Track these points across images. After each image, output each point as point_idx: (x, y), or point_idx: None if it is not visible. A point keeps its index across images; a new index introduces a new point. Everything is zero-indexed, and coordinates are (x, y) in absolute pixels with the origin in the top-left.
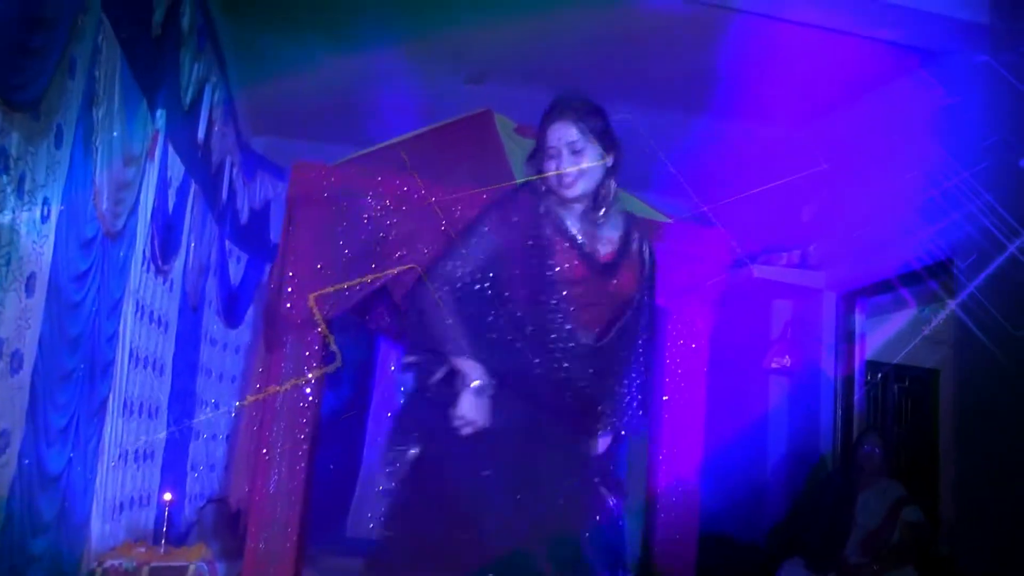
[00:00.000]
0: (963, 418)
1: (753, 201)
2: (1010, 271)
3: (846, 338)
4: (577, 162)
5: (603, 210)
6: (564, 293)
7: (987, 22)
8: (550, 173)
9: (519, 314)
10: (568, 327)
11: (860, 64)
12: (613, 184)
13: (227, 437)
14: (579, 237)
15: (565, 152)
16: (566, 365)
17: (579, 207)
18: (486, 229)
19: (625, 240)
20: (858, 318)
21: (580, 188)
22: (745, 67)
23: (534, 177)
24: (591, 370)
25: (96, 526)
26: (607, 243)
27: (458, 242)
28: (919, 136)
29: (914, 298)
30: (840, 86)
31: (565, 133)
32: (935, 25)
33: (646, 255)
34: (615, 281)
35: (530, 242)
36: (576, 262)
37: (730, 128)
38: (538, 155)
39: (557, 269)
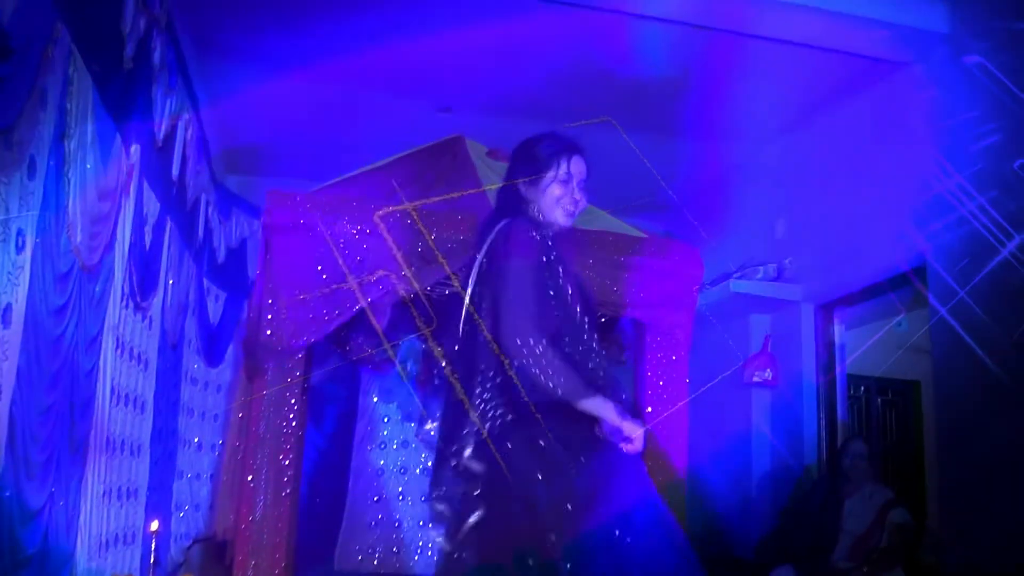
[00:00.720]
0: (946, 428)
1: (727, 219)
2: (999, 275)
3: (826, 350)
4: (581, 198)
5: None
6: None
7: (947, 31)
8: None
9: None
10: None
11: (826, 77)
12: None
13: (211, 476)
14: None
15: (577, 184)
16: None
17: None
18: (530, 263)
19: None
20: (837, 329)
21: (571, 221)
22: (714, 85)
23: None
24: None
25: (82, 562)
26: None
27: (520, 286)
28: (891, 144)
29: (891, 307)
30: (806, 100)
31: (583, 167)
32: (894, 33)
33: None
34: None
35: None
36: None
37: (699, 148)
38: (542, 172)
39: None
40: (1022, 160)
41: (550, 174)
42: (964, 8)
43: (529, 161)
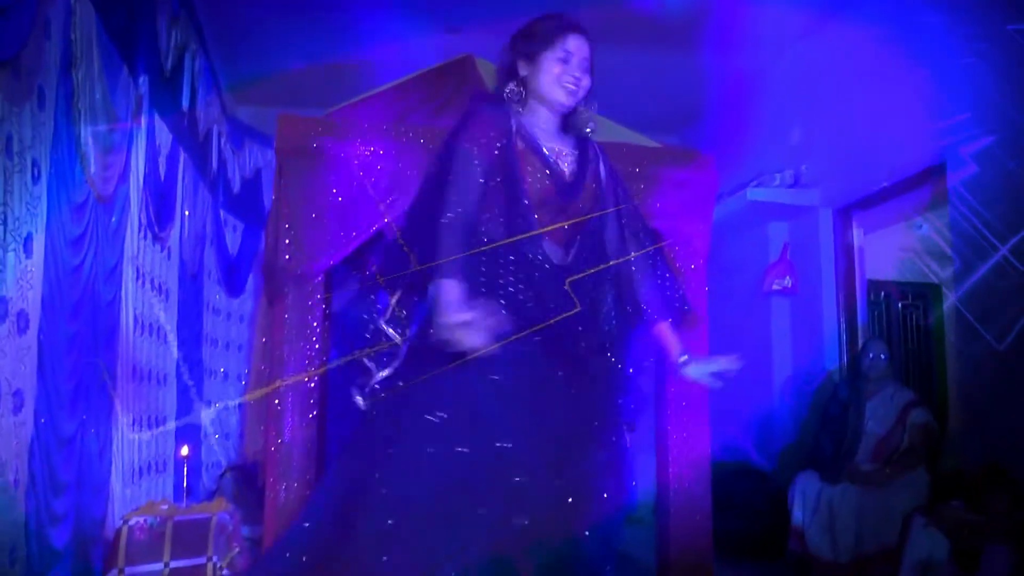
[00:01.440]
0: (967, 330)
1: (743, 128)
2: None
3: (845, 255)
4: (583, 77)
5: (571, 128)
6: (536, 215)
7: None
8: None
9: (498, 240)
10: (543, 249)
11: None
12: (581, 114)
13: (239, 406)
14: (547, 153)
15: (576, 63)
16: (549, 289)
17: (547, 122)
18: (467, 147)
19: (583, 157)
20: (856, 233)
21: (574, 100)
22: None
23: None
24: (574, 290)
25: (116, 489)
26: (570, 160)
27: (443, 170)
28: (908, 41)
29: (909, 207)
30: (819, 3)
31: (582, 46)
32: None
33: (602, 171)
34: (579, 198)
35: (502, 160)
36: (547, 182)
37: (712, 60)
38: (540, 50)
39: (528, 188)
40: None
41: (547, 52)
42: None
43: (525, 39)
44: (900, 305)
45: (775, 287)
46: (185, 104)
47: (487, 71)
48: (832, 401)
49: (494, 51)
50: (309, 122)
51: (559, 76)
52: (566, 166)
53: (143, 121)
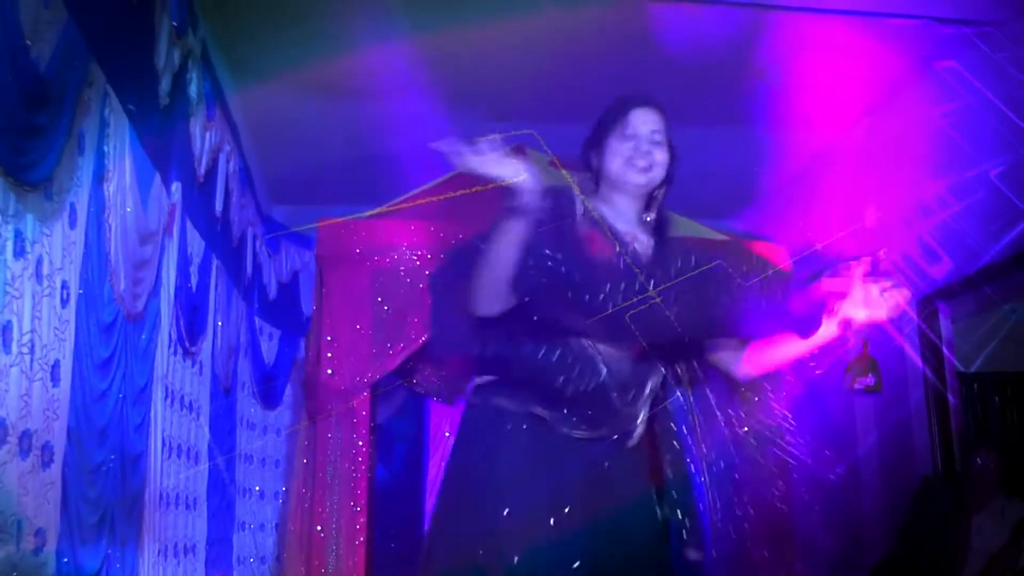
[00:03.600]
0: None
1: (812, 212)
2: None
3: (932, 347)
4: (656, 152)
5: (651, 215)
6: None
7: None
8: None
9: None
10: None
11: (909, 47)
12: (663, 192)
13: (276, 526)
14: (621, 234)
15: (645, 139)
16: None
17: (626, 210)
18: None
19: (662, 247)
20: (943, 323)
21: (649, 179)
22: (787, 69)
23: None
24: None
25: None
26: (647, 247)
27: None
28: (988, 112)
29: (1002, 295)
30: (889, 76)
31: (650, 119)
32: None
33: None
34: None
35: (561, 240)
36: (619, 267)
37: (777, 138)
38: (605, 134)
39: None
40: None
41: (612, 134)
42: None
43: (593, 130)
44: (997, 398)
45: (857, 386)
46: (219, 208)
47: (540, 162)
48: (931, 514)
49: (546, 139)
50: (351, 226)
51: (628, 156)
52: (643, 252)
53: (175, 230)
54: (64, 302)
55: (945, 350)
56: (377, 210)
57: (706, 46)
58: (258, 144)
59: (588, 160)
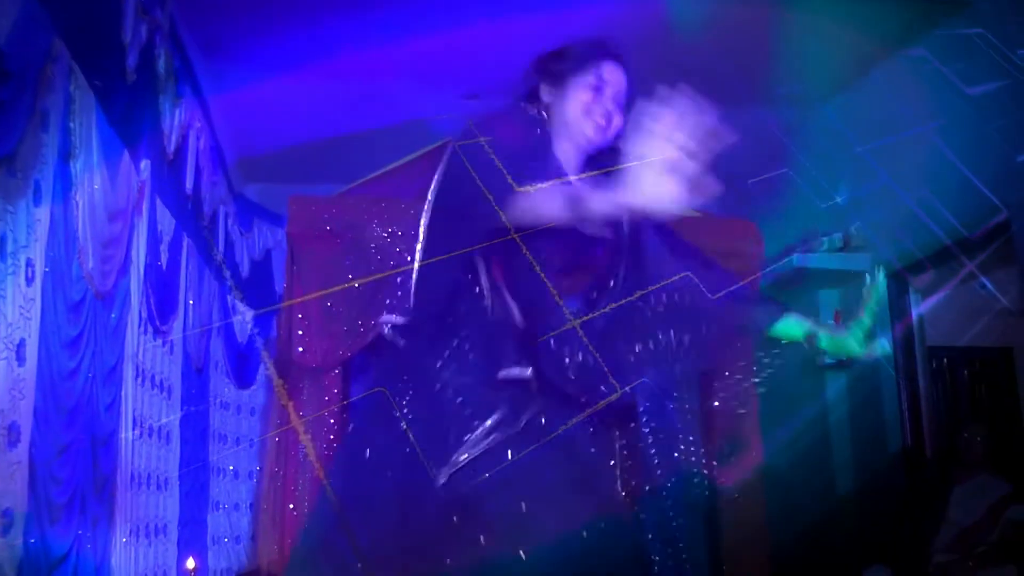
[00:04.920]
0: None
1: (785, 189)
2: None
3: (902, 321)
4: (617, 113)
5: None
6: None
7: None
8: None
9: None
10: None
11: (882, 22)
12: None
13: (251, 506)
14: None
15: (610, 96)
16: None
17: (568, 161)
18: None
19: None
20: (912, 299)
21: (603, 138)
22: (759, 46)
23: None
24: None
25: None
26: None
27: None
28: (962, 87)
29: (970, 267)
30: (862, 52)
31: (619, 79)
32: None
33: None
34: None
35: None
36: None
37: (749, 116)
38: (570, 72)
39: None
40: None
41: (578, 75)
42: None
43: (554, 59)
44: (966, 372)
45: (828, 360)
46: (189, 186)
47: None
48: (915, 485)
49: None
50: (322, 203)
51: (588, 105)
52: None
53: (144, 208)
54: (29, 280)
55: (914, 324)
56: (348, 187)
57: (678, 21)
58: (229, 122)
59: (537, 91)
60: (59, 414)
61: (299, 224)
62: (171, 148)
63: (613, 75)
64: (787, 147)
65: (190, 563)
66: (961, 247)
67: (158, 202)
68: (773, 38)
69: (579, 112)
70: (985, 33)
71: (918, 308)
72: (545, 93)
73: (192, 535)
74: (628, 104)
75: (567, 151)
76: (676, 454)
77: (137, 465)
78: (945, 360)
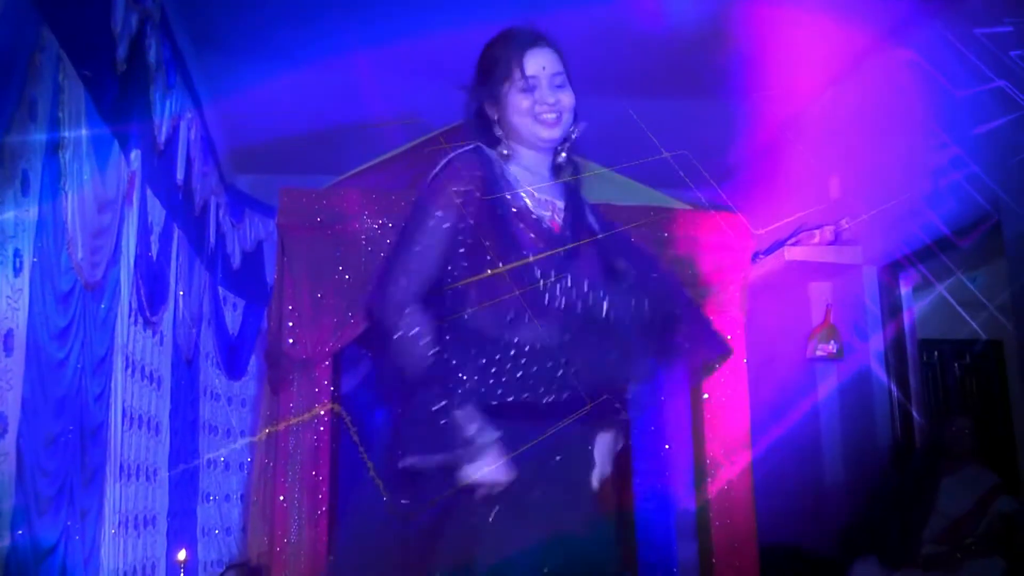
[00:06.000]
0: None
1: (776, 183)
2: None
3: (893, 316)
4: (562, 96)
5: (565, 166)
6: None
7: None
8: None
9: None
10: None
11: (873, 17)
12: (575, 132)
13: (241, 497)
14: (531, 203)
15: (547, 86)
16: (560, 351)
17: (538, 166)
18: (439, 214)
19: (573, 208)
20: (904, 292)
21: (559, 130)
22: (752, 39)
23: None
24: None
25: None
26: (557, 210)
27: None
28: (951, 82)
29: (962, 263)
30: (854, 47)
31: (548, 60)
32: None
33: (593, 225)
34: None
35: (486, 216)
36: (533, 234)
37: (742, 109)
38: (499, 85)
39: (523, 242)
40: None
41: (507, 84)
42: None
43: (483, 76)
44: (957, 365)
45: (819, 353)
46: (180, 176)
47: None
48: (904, 476)
49: None
50: (312, 195)
51: (529, 108)
52: (558, 219)
53: (135, 198)
54: (17, 271)
55: (905, 317)
56: (339, 178)
57: (672, 17)
58: (220, 112)
59: (483, 111)
60: (48, 405)
61: (290, 215)
62: (162, 139)
63: (538, 61)
64: (779, 140)
65: (181, 555)
66: (951, 241)
67: (148, 193)
68: (766, 31)
69: (524, 117)
70: (979, 34)
71: (909, 301)
72: (490, 110)
73: (181, 526)
74: (568, 73)
75: (530, 158)
76: (667, 445)
77: (126, 456)
78: (936, 353)
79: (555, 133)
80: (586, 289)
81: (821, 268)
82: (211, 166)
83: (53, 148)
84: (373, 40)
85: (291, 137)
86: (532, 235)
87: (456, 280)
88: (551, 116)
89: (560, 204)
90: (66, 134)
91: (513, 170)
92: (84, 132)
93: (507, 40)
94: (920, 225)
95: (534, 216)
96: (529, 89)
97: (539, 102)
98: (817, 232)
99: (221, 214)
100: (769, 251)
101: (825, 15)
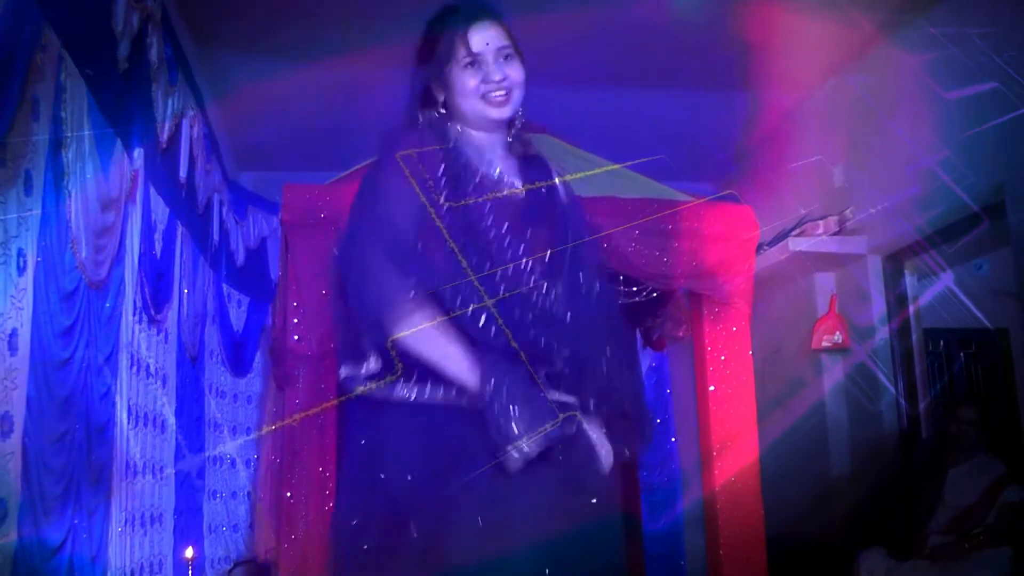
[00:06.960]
0: None
1: (781, 173)
2: None
3: (899, 305)
4: (510, 71)
5: (518, 140)
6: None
7: None
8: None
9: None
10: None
11: (877, 5)
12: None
13: (248, 493)
14: (495, 175)
15: (493, 62)
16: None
17: (491, 146)
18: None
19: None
20: (908, 281)
21: (509, 109)
22: (754, 30)
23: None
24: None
25: None
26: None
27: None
28: (956, 68)
29: (966, 251)
30: (857, 35)
31: (493, 34)
32: None
33: (562, 195)
34: (537, 227)
35: (447, 192)
36: (494, 206)
37: (745, 101)
38: (443, 65)
39: (484, 218)
40: None
41: (451, 64)
42: None
43: (426, 57)
44: (962, 354)
45: (825, 344)
46: (183, 174)
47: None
48: (910, 467)
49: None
50: (316, 191)
51: (475, 88)
52: (519, 193)
53: (138, 197)
54: (21, 270)
55: (911, 306)
56: (343, 174)
57: (674, 9)
58: (223, 110)
59: (431, 93)
60: (53, 403)
61: (294, 212)
62: (164, 137)
63: (481, 36)
64: (782, 130)
65: (188, 552)
66: (957, 229)
67: (152, 191)
68: (769, 22)
69: (471, 97)
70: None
71: (914, 290)
72: (438, 92)
73: (188, 523)
74: (516, 46)
75: (482, 139)
76: (673, 438)
77: (132, 454)
78: (942, 342)
79: (505, 112)
80: (550, 268)
81: (826, 258)
82: (214, 163)
83: (56, 147)
84: (376, 34)
85: (294, 133)
86: (496, 207)
87: (425, 250)
88: (499, 94)
89: (518, 183)
90: (68, 133)
91: (466, 152)
92: (87, 131)
93: (449, 15)
94: (925, 214)
95: (499, 191)
96: (476, 68)
97: (486, 80)
98: (821, 222)
99: (225, 211)
100: (774, 242)
101: (831, 3)
